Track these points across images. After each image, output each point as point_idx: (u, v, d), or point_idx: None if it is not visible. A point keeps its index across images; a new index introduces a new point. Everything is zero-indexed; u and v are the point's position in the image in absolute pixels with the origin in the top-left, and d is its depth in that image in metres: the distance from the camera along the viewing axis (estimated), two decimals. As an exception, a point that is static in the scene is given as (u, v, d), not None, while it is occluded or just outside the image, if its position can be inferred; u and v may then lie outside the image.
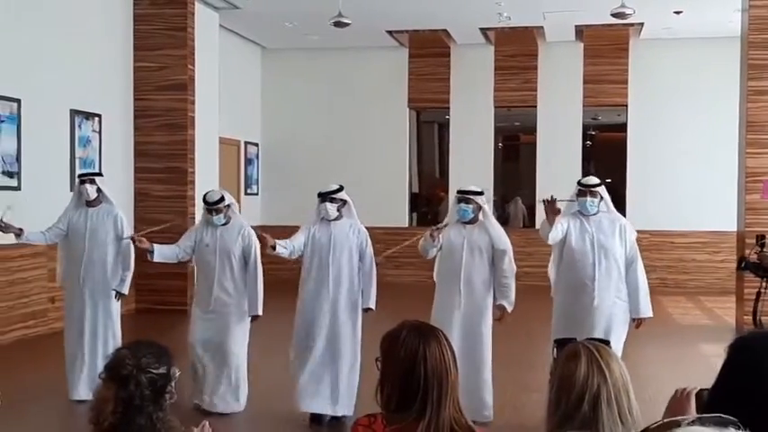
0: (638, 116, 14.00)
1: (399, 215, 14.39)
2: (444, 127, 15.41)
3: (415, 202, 15.46)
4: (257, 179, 14.92)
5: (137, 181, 10.92)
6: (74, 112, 9.72)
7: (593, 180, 5.85)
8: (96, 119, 10.13)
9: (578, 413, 1.99)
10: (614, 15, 10.15)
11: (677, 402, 2.26)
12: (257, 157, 14.96)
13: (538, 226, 6.36)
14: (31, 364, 7.97)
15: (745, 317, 9.37)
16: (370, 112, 14.72)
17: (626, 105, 14.09)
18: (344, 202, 6.02)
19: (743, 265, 6.18)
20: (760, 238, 6.13)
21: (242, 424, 6.10)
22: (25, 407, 6.34)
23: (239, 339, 6.12)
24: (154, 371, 2.39)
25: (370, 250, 6.02)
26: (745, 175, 9.82)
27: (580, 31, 13.57)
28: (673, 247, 13.63)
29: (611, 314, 5.68)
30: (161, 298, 10.62)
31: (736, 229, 10.19)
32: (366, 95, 14.73)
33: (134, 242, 6.21)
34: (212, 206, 6.11)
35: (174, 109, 10.89)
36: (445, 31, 13.74)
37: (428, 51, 14.43)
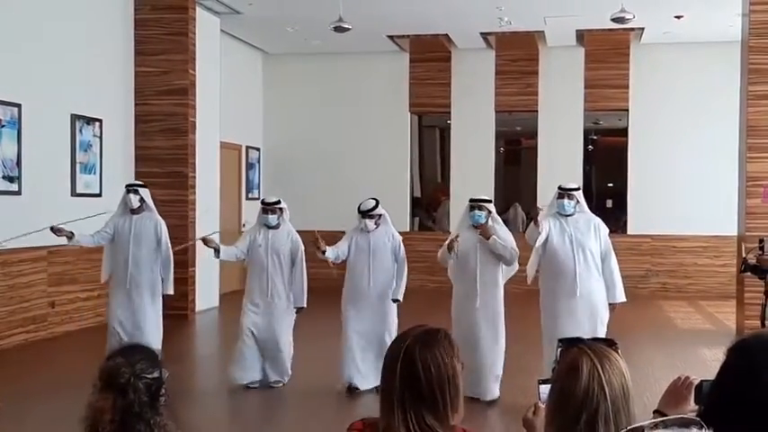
0: (639, 120, 14.00)
1: (401, 220, 14.35)
2: (446, 131, 15.41)
3: (417, 206, 15.46)
4: (258, 184, 14.92)
5: (138, 186, 10.90)
6: (74, 117, 9.73)
7: (572, 185, 6.64)
8: (97, 123, 10.14)
9: (574, 429, 1.95)
10: (614, 20, 10.15)
11: (677, 390, 2.26)
12: (258, 162, 14.97)
13: (526, 234, 6.77)
14: (32, 369, 7.97)
15: (747, 321, 9.36)
16: (372, 116, 14.73)
17: (627, 110, 14.09)
18: (380, 215, 7.05)
19: (743, 267, 6.23)
20: (760, 241, 6.34)
21: (287, 396, 7.07)
22: (27, 411, 6.34)
23: (286, 327, 7.12)
24: (149, 376, 2.38)
25: (402, 253, 7.06)
26: (745, 179, 9.80)
27: (581, 36, 13.57)
28: (674, 252, 13.61)
29: (592, 301, 6.37)
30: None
31: (736, 234, 10.19)
32: (367, 100, 14.75)
33: (205, 243, 7.06)
34: (268, 206, 7.15)
35: (175, 113, 10.91)
36: (446, 35, 13.75)
37: (429, 56, 14.44)
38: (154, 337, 7.11)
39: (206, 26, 11.71)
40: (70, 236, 7.10)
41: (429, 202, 16.00)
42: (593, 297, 6.36)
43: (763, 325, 6.63)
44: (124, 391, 2.32)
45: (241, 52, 14.21)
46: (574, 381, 1.95)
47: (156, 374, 2.40)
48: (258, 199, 14.65)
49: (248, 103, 14.64)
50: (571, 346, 2.03)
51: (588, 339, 2.07)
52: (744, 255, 6.22)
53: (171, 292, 7.42)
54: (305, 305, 7.15)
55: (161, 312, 7.40)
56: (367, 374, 6.84)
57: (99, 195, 10.14)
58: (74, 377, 7.14)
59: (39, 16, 9.21)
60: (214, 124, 12.07)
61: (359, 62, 14.68)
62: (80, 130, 9.84)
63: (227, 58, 12.91)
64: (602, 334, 6.12)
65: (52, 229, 7.10)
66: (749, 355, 1.99)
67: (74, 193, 9.73)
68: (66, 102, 9.63)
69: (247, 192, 14.45)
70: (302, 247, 7.15)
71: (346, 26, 10.44)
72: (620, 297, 6.48)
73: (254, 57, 14.83)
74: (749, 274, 6.31)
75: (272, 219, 7.13)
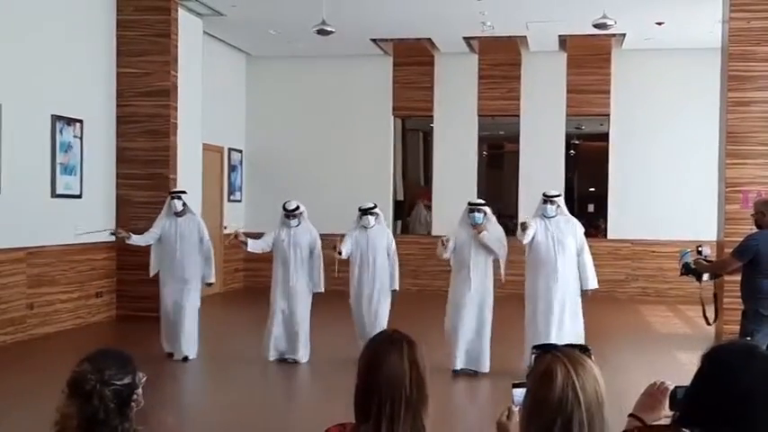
0: (621, 126, 14.08)
1: (383, 223, 14.36)
2: (429, 135, 15.44)
3: (400, 210, 15.45)
4: (241, 186, 14.89)
5: (119, 187, 10.86)
6: (55, 118, 9.66)
7: (554, 192, 7.90)
8: (78, 124, 10.07)
9: None
10: (596, 26, 10.22)
11: (653, 394, 2.28)
12: (241, 164, 14.94)
13: (517, 234, 7.78)
14: (10, 372, 7.90)
15: (725, 326, 9.42)
16: (355, 119, 14.73)
17: (608, 115, 14.17)
18: (378, 214, 8.31)
19: (683, 271, 6.55)
20: (698, 246, 6.75)
21: (308, 368, 8.24)
22: (4, 414, 6.30)
23: (307, 309, 8.28)
24: (118, 382, 2.35)
25: (393, 247, 8.31)
26: (725, 185, 9.89)
27: (563, 41, 13.64)
28: (654, 257, 13.68)
29: (567, 286, 7.64)
30: (142, 305, 10.56)
31: (716, 239, 10.26)
32: (350, 103, 14.75)
33: (236, 237, 8.23)
34: (290, 213, 8.25)
35: (157, 115, 10.86)
36: (429, 39, 13.78)
37: (412, 60, 14.46)
38: (194, 317, 8.42)
39: (189, 28, 11.67)
40: (128, 237, 8.40)
41: (411, 206, 16.02)
42: (568, 284, 7.65)
43: (708, 323, 7.03)
44: (89, 399, 2.30)
45: (224, 54, 14.18)
46: (548, 387, 1.95)
47: (126, 381, 2.37)
48: (240, 201, 14.70)
49: (231, 105, 14.60)
50: (545, 352, 2.04)
51: (562, 345, 2.08)
52: (681, 258, 6.60)
53: (213, 280, 8.69)
54: (322, 290, 8.33)
55: (199, 298, 8.63)
56: None
57: (79, 197, 10.09)
58: (51, 380, 7.09)
59: (20, 16, 9.14)
60: (196, 126, 12.03)
61: (342, 65, 14.68)
62: (60, 131, 9.77)
63: (210, 59, 12.88)
64: (574, 313, 7.61)
65: (114, 232, 8.80)
66: (723, 363, 2.02)
67: (54, 195, 9.66)
68: (47, 102, 9.56)
69: (229, 194, 14.42)
70: (319, 242, 8.34)
71: (329, 29, 10.45)
72: (593, 284, 7.77)
73: (236, 59, 14.80)
74: (688, 277, 6.70)
75: (294, 222, 8.28)
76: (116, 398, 2.32)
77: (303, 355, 8.29)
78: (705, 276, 6.71)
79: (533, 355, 2.10)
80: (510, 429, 2.29)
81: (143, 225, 8.90)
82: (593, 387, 1.96)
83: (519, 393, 2.16)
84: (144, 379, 2.45)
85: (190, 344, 8.41)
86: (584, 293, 7.78)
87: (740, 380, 1.96)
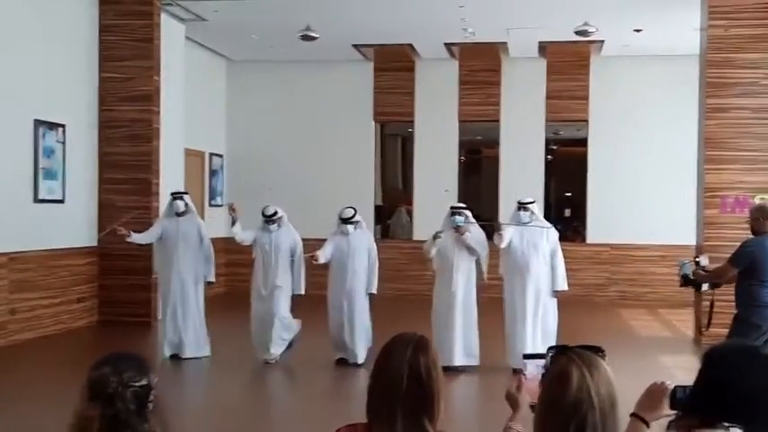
0: (599, 131, 14.23)
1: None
2: (407, 139, 15.51)
3: (380, 214, 15.49)
4: (222, 191, 14.86)
5: (101, 192, 10.81)
6: (37, 122, 9.61)
7: (528, 199, 8.31)
8: (60, 129, 10.03)
9: None
10: (578, 33, 10.35)
11: (654, 394, 2.34)
12: (222, 169, 14.92)
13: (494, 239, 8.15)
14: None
15: (703, 329, 9.55)
16: (336, 124, 14.76)
17: (587, 121, 14.32)
18: (358, 221, 8.44)
19: (683, 281, 6.68)
20: (696, 257, 6.93)
21: (291, 371, 8.52)
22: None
23: (287, 310, 8.44)
24: (136, 384, 2.38)
25: (374, 253, 8.47)
26: (703, 190, 10.03)
27: (543, 48, 13.77)
28: (633, 261, 13.84)
29: (541, 288, 8.05)
30: (124, 310, 10.53)
31: (694, 243, 10.41)
32: (331, 108, 14.77)
33: (231, 210, 8.51)
34: (269, 218, 8.41)
35: (140, 120, 10.83)
36: (410, 45, 13.85)
37: (393, 65, 14.54)
38: (197, 316, 8.60)
39: (171, 33, 11.65)
40: (129, 235, 8.51)
41: (390, 211, 16.06)
42: (540, 283, 8.07)
43: (704, 329, 7.20)
44: (111, 401, 2.33)
45: (205, 59, 14.16)
46: (563, 389, 1.99)
47: (143, 382, 2.41)
48: (221, 206, 14.63)
49: (212, 109, 14.58)
50: (561, 353, 2.09)
51: (577, 347, 2.12)
52: (681, 270, 6.74)
53: (213, 279, 8.84)
54: (303, 292, 8.48)
55: (203, 296, 8.77)
56: (352, 351, 8.26)
57: (62, 201, 10.04)
58: (33, 386, 7.07)
59: (1, 21, 9.09)
60: (178, 131, 12.01)
61: (323, 70, 14.71)
62: (43, 136, 9.72)
63: (191, 64, 12.86)
64: (547, 312, 8.02)
65: (114, 230, 8.75)
66: (726, 363, 2.09)
67: (36, 200, 9.60)
68: (29, 107, 9.50)
69: (210, 198, 14.38)
70: (300, 244, 8.51)
71: (314, 35, 10.50)
72: (563, 286, 8.17)
73: (217, 63, 14.78)
74: (688, 288, 6.87)
75: (274, 227, 8.43)
76: (135, 399, 2.35)
77: (287, 351, 8.47)
78: (704, 286, 6.83)
79: (549, 356, 2.15)
80: (519, 400, 2.42)
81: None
82: (606, 389, 2.00)
83: (530, 363, 2.21)
84: (157, 380, 2.48)
85: (196, 343, 8.57)
86: (555, 294, 8.18)
87: (744, 379, 2.02)
